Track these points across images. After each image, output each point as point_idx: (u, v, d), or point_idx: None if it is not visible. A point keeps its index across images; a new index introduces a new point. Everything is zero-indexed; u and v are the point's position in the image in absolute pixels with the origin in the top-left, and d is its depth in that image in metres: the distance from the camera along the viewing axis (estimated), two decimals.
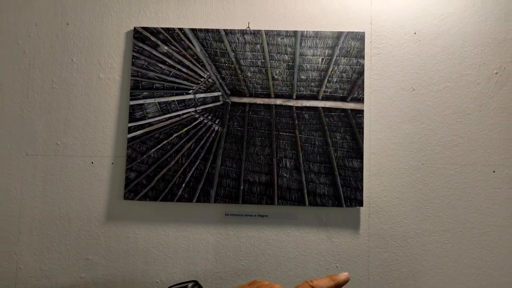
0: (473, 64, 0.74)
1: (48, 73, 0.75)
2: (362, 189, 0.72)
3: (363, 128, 0.73)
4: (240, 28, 0.76)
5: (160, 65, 0.75)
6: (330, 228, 0.73)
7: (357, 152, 0.73)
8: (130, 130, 0.74)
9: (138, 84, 0.75)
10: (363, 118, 0.73)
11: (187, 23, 0.76)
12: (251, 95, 0.75)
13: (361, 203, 0.72)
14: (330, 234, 0.73)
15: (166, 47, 0.76)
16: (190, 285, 0.47)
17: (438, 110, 0.74)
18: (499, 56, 0.74)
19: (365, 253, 0.72)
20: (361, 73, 0.74)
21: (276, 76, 0.75)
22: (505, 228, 0.72)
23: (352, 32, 0.74)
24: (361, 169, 0.73)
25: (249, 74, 0.75)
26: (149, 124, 0.75)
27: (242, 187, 0.73)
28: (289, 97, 0.74)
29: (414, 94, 0.74)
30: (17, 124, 0.74)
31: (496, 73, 0.74)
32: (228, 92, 0.75)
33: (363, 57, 0.74)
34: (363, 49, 0.74)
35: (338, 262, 0.72)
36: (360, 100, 0.74)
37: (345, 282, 0.40)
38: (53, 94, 0.75)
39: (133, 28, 0.76)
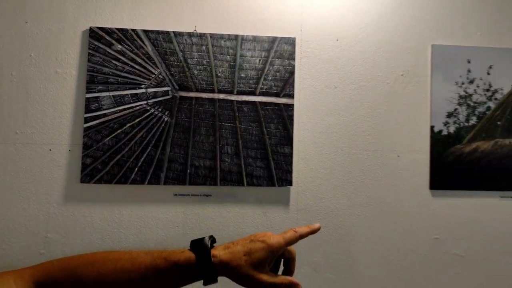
0: (384, 67, 0.89)
1: (7, 68, 0.81)
2: (291, 171, 0.85)
3: (293, 120, 0.86)
4: (187, 31, 0.86)
5: (114, 62, 0.84)
6: (265, 204, 0.86)
7: (288, 140, 0.86)
8: (86, 120, 0.82)
9: (94, 78, 0.83)
10: (293, 111, 0.86)
11: (140, 25, 0.85)
12: (197, 90, 0.85)
13: (290, 183, 0.85)
14: (265, 210, 0.86)
15: (120, 46, 0.84)
16: (207, 237, 0.54)
17: (355, 105, 0.88)
18: (404, 61, 0.90)
19: (294, 225, 0.85)
20: (292, 73, 0.87)
21: (219, 74, 0.86)
22: (407, 201, 0.88)
23: (285, 38, 0.87)
24: (291, 154, 0.86)
25: (195, 72, 0.85)
26: (104, 115, 0.83)
27: (189, 171, 0.84)
28: (231, 92, 0.86)
29: (336, 92, 0.88)
30: None
31: (402, 75, 0.90)
32: (177, 87, 0.85)
33: (294, 59, 0.87)
34: (294, 52, 0.87)
35: None
36: (291, 96, 0.86)
37: (318, 229, 0.55)
38: (12, 87, 0.81)
39: (89, 28, 0.84)
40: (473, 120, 0.90)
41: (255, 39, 0.86)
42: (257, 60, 0.86)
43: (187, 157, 0.84)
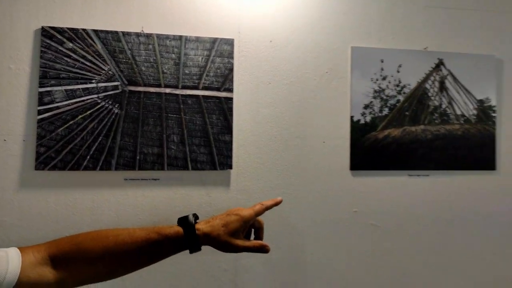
0: (311, 65, 1.03)
1: None
2: (231, 157, 0.97)
3: (232, 111, 0.98)
4: (135, 31, 0.95)
5: (66, 58, 0.91)
6: (208, 186, 0.97)
7: (228, 129, 0.97)
8: (40, 112, 0.89)
9: (46, 74, 0.90)
10: (233, 104, 0.98)
11: (90, 25, 0.93)
12: (145, 85, 0.95)
13: (231, 167, 0.97)
14: (208, 191, 0.97)
15: (71, 44, 0.91)
16: (191, 215, 0.66)
17: (286, 99, 1.02)
18: (329, 60, 1.04)
19: (234, 203, 0.97)
20: (231, 70, 0.98)
21: (165, 71, 0.95)
22: (331, 180, 1.02)
23: (225, 39, 0.98)
24: (231, 141, 0.97)
25: (143, 68, 0.95)
26: (57, 108, 0.90)
27: (138, 157, 0.93)
28: (176, 87, 0.96)
29: (270, 87, 1.01)
30: None
31: (327, 72, 1.04)
32: (126, 82, 0.94)
33: (232, 58, 0.98)
34: (233, 52, 0.98)
35: (215, 212, 0.96)
36: (231, 90, 0.98)
37: (281, 201, 0.71)
38: None
39: (41, 27, 0.90)
40: (386, 111, 1.06)
41: (197, 39, 0.97)
42: (200, 58, 0.97)
43: (136, 145, 0.93)
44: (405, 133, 1.07)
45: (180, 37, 0.96)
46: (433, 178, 1.08)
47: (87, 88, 0.92)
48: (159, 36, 0.95)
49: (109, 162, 0.91)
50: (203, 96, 0.97)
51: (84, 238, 0.62)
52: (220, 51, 0.97)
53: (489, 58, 1.12)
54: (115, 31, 0.93)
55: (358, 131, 1.04)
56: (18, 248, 0.57)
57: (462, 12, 1.11)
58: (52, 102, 0.90)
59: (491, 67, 1.11)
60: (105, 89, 0.92)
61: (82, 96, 0.91)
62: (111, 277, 0.63)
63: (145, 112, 0.94)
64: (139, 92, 0.94)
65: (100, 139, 0.91)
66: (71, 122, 0.90)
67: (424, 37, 1.08)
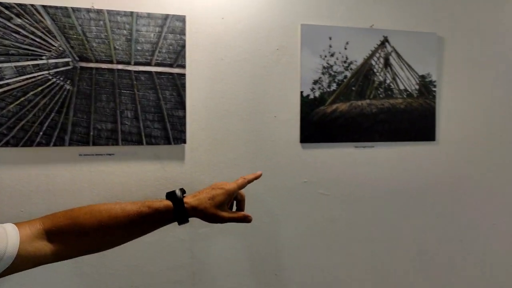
0: (263, 42, 1.07)
1: None
2: (185, 131, 1.01)
3: (185, 87, 1.01)
4: (85, 7, 0.95)
5: (14, 34, 0.91)
6: (163, 160, 1.01)
7: (181, 104, 1.01)
8: None
9: None
10: (186, 80, 1.01)
11: (39, 0, 0.92)
12: (97, 61, 0.96)
13: (185, 141, 1.01)
14: (163, 165, 1.01)
15: (19, 20, 0.91)
16: (178, 190, 0.73)
17: (239, 74, 1.05)
18: (280, 37, 1.08)
19: (189, 176, 1.02)
20: (183, 46, 1.01)
21: (117, 47, 0.97)
22: (282, 153, 1.08)
23: (176, 15, 1.00)
24: (184, 117, 1.01)
25: (94, 45, 0.95)
26: (7, 84, 0.90)
27: (92, 133, 0.95)
28: (128, 63, 0.98)
29: (222, 63, 1.04)
30: None
31: (277, 49, 1.08)
32: (77, 58, 0.95)
33: (184, 34, 1.00)
34: (185, 28, 1.01)
35: (170, 184, 1.01)
36: (183, 66, 1.01)
37: (260, 175, 0.81)
38: None
39: None
40: (334, 86, 1.12)
41: (149, 15, 0.98)
42: (152, 35, 0.99)
43: (90, 121, 0.95)
44: (352, 107, 1.13)
45: (131, 13, 0.97)
46: (378, 149, 1.16)
47: (38, 65, 0.92)
48: (109, 12, 0.96)
49: (63, 138, 0.93)
50: (156, 72, 0.99)
51: (78, 213, 0.66)
52: (172, 28, 0.99)
53: (431, 36, 1.19)
54: (64, 6, 0.93)
55: (308, 105, 1.10)
56: (14, 223, 0.60)
57: None
58: (2, 79, 0.90)
59: (432, 44, 1.19)
60: (56, 65, 0.93)
61: (32, 73, 0.92)
62: (105, 248, 0.69)
63: (98, 88, 0.96)
64: (91, 68, 0.95)
65: (52, 116, 0.93)
66: (22, 99, 0.91)
67: (370, 15, 1.14)
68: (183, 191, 0.74)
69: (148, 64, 0.99)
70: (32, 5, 0.91)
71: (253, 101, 1.06)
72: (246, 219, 0.76)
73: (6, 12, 0.90)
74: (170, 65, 1.00)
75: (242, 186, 0.78)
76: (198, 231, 1.03)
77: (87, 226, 0.65)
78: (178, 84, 1.00)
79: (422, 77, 1.19)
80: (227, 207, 0.77)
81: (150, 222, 0.70)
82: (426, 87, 1.19)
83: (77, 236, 0.64)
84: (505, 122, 1.26)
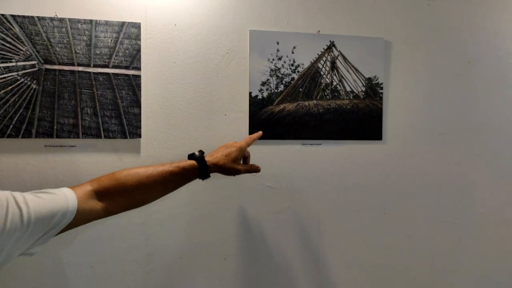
0: (213, 46, 1.17)
1: None
2: (140, 127, 1.12)
3: (140, 87, 1.12)
4: (49, 16, 1.07)
5: None
6: (121, 153, 1.13)
7: (137, 103, 1.12)
8: None
9: None
10: (141, 81, 1.12)
11: (8, 10, 1.04)
12: (60, 64, 1.08)
13: (140, 136, 1.13)
14: (121, 157, 1.13)
15: None
16: (197, 151, 0.93)
17: (191, 76, 1.16)
18: (229, 42, 1.17)
19: None
20: (138, 51, 1.12)
21: (78, 51, 1.09)
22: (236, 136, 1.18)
23: (132, 22, 1.11)
24: (139, 114, 1.12)
25: (57, 49, 1.08)
26: None
27: (55, 127, 1.08)
28: (88, 65, 1.10)
29: (175, 65, 1.15)
30: None
31: (227, 53, 1.18)
32: (42, 61, 1.07)
33: (140, 40, 1.11)
34: (140, 34, 1.11)
35: None
36: (139, 68, 1.12)
37: (261, 135, 1.08)
38: None
39: None
40: (281, 88, 1.21)
41: (107, 23, 1.09)
42: (109, 40, 1.10)
43: (54, 116, 1.08)
44: (299, 107, 1.22)
45: (91, 21, 1.08)
46: (325, 146, 1.25)
47: (8, 67, 1.05)
48: (71, 20, 1.07)
49: (30, 131, 1.06)
50: (113, 73, 1.11)
51: (119, 175, 0.82)
52: (128, 34, 1.11)
53: (378, 40, 1.26)
54: (31, 16, 1.05)
55: (256, 105, 1.19)
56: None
57: None
58: None
59: (380, 49, 1.26)
60: (24, 67, 1.06)
61: (3, 74, 1.05)
62: (145, 203, 0.87)
63: (61, 87, 1.08)
64: (55, 70, 1.08)
65: (21, 111, 1.06)
66: None
67: (317, 21, 1.22)
68: (201, 152, 0.92)
69: (106, 66, 1.10)
70: (2, 15, 1.04)
71: (204, 100, 1.16)
72: (257, 169, 0.98)
73: None
74: (126, 67, 1.11)
75: (250, 143, 0.98)
76: (152, 216, 1.15)
77: (128, 185, 0.80)
78: (133, 84, 1.12)
79: (369, 79, 1.26)
80: (240, 162, 0.95)
81: (180, 179, 0.87)
82: (373, 89, 1.27)
83: (121, 194, 0.80)
84: (448, 122, 1.32)
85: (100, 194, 0.78)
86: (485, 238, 1.37)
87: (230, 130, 1.18)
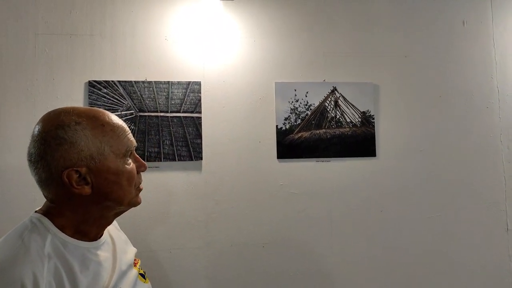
0: (250, 95, 1.67)
1: None
2: (202, 152, 1.63)
3: (201, 125, 1.63)
4: (141, 80, 1.61)
5: (103, 98, 1.58)
6: (188, 170, 1.63)
7: (199, 136, 1.63)
8: None
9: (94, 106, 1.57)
10: (201, 121, 1.63)
11: (116, 77, 1.59)
12: (149, 111, 1.61)
13: (202, 158, 1.63)
14: (188, 173, 1.63)
15: (105, 90, 1.59)
16: None
17: (234, 116, 1.66)
18: (261, 91, 1.68)
19: (204, 180, 1.62)
20: (200, 100, 1.64)
21: (160, 102, 1.62)
22: (264, 165, 1.67)
23: (195, 81, 1.63)
24: (201, 143, 1.63)
25: (147, 102, 1.61)
26: None
27: (146, 154, 1.60)
28: (167, 112, 1.62)
29: (224, 109, 1.65)
30: None
31: (260, 99, 1.68)
32: (137, 110, 1.60)
33: (200, 92, 1.64)
34: (200, 89, 1.64)
35: (193, 186, 1.62)
36: (200, 112, 1.63)
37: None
38: None
39: (88, 81, 1.57)
40: (299, 121, 1.69)
41: (178, 82, 1.62)
42: (180, 94, 1.63)
43: (145, 147, 1.60)
44: (312, 135, 1.70)
45: (168, 82, 1.62)
46: (333, 162, 1.71)
47: (116, 115, 1.59)
48: (156, 82, 1.61)
49: None
50: (183, 116, 1.63)
51: None
52: (192, 89, 1.63)
53: (369, 84, 1.73)
54: (129, 80, 1.60)
55: (281, 134, 1.68)
56: None
57: (345, 56, 1.73)
58: None
59: (370, 90, 1.73)
60: (125, 115, 1.59)
61: None
62: None
63: (149, 127, 1.60)
64: (145, 116, 1.61)
65: None
66: None
67: (323, 73, 1.71)
68: None
69: (178, 111, 1.62)
70: (112, 81, 1.58)
71: (247, 132, 1.66)
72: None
73: (98, 86, 1.58)
74: (192, 112, 1.63)
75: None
76: (210, 216, 1.63)
77: None
78: (196, 123, 1.63)
79: (363, 113, 1.73)
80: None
81: None
82: (367, 119, 1.73)
83: None
84: (426, 142, 1.76)
85: None
86: (462, 232, 1.77)
87: (263, 152, 1.67)
